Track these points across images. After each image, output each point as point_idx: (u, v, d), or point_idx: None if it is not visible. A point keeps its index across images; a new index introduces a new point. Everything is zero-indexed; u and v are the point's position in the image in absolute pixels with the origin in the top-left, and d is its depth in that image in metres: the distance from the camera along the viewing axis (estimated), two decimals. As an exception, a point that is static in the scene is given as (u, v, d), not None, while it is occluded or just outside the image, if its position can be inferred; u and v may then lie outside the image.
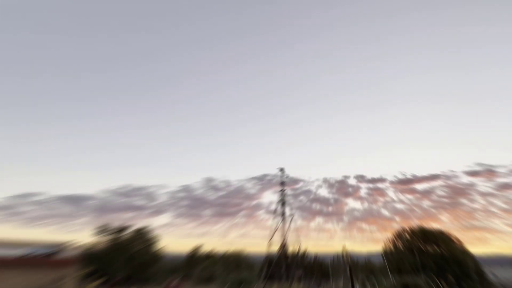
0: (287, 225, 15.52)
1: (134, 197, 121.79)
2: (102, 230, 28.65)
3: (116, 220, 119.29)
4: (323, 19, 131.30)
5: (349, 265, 17.41)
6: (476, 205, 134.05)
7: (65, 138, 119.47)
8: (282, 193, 15.99)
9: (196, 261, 35.86)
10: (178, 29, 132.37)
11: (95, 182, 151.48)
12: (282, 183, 16.12)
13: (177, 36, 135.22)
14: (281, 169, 16.45)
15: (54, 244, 18.31)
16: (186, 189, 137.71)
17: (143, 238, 29.67)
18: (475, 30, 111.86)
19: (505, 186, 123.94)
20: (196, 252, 42.37)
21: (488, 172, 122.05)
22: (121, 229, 29.13)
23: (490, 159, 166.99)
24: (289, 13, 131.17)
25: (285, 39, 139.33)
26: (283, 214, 15.54)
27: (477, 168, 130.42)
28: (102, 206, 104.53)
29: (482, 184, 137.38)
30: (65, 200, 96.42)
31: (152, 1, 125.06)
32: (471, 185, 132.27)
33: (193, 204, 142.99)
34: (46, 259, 17.01)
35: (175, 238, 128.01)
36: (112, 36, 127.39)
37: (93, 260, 24.43)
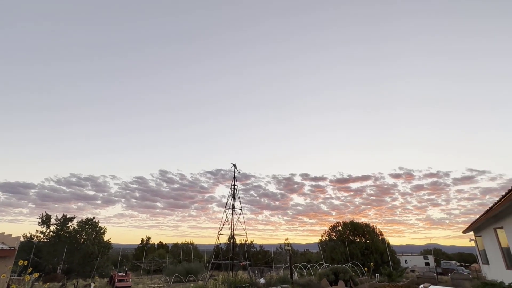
0: (236, 217, 16.90)
1: (83, 187, 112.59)
2: (44, 220, 27.01)
3: (62, 210, 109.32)
4: (281, 24, 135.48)
5: (289, 255, 19.45)
6: (396, 203, 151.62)
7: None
8: (233, 187, 17.31)
9: (145, 253, 35.60)
10: (136, 24, 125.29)
11: (38, 171, 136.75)
12: (234, 178, 17.44)
13: (132, 31, 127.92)
14: (234, 165, 17.76)
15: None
16: (139, 180, 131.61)
17: (88, 229, 28.62)
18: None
19: (419, 187, 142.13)
20: (145, 243, 41.86)
21: (407, 175, 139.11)
22: (65, 220, 27.74)
23: (409, 164, 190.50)
24: (240, 18, 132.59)
25: (243, 40, 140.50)
26: (233, 207, 16.88)
27: (400, 172, 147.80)
28: (46, 195, 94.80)
29: (402, 185, 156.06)
30: (3, 188, 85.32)
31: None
32: (394, 185, 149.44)
33: (145, 195, 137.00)
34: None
35: (126, 229, 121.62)
36: (56, 29, 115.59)
37: (32, 252, 23.22)
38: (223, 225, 16.55)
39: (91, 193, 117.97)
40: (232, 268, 16.65)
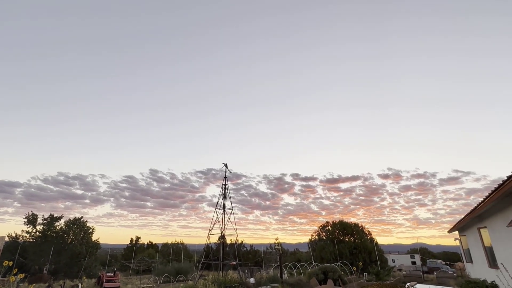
0: (226, 217, 16.92)
1: (71, 186, 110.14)
2: (30, 220, 26.38)
3: (49, 209, 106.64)
4: (272, 24, 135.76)
5: (279, 255, 19.57)
6: (384, 203, 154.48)
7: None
8: (224, 187, 17.31)
9: (134, 253, 35.19)
10: (127, 20, 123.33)
11: (25, 169, 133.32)
12: (225, 178, 17.44)
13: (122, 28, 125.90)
14: (225, 165, 17.75)
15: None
16: (129, 179, 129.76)
17: (76, 229, 28.10)
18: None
19: (407, 188, 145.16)
20: (135, 243, 41.39)
21: (396, 175, 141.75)
22: (52, 219, 27.16)
23: (398, 165, 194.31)
24: (233, 16, 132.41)
25: (235, 38, 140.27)
26: (224, 206, 16.88)
27: (388, 172, 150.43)
28: (33, 194, 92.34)
29: (390, 186, 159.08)
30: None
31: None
32: (383, 186, 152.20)
33: (135, 195, 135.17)
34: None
35: (115, 229, 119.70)
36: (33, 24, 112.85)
37: (18, 252, 22.71)
38: (214, 224, 16.55)
39: (79, 192, 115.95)
40: (222, 268, 16.66)
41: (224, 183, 17.21)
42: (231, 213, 16.96)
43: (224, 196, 16.97)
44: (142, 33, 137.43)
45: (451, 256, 47.69)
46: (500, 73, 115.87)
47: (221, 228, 16.73)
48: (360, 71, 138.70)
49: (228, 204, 17.07)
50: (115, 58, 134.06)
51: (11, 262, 9.61)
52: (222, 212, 16.93)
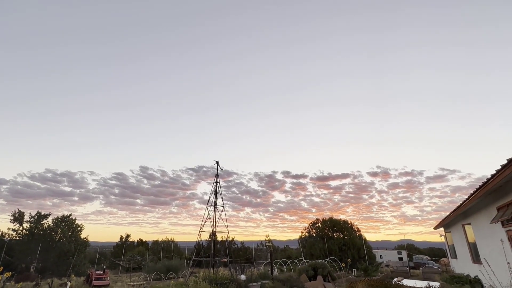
0: (218, 214, 16.95)
1: (59, 183, 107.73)
2: (17, 217, 25.82)
3: (36, 206, 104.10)
4: (254, 18, 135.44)
5: (270, 252, 19.73)
6: (373, 200, 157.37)
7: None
8: (216, 184, 17.33)
9: (124, 250, 34.86)
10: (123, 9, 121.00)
11: (10, 165, 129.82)
12: (217, 175, 17.46)
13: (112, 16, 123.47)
14: (217, 162, 17.76)
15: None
16: (118, 176, 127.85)
17: (64, 227, 27.65)
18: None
19: (395, 186, 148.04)
20: (125, 240, 40.98)
21: (384, 173, 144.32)
22: (40, 217, 26.64)
23: (386, 163, 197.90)
24: (223, 8, 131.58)
25: (223, 32, 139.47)
26: (215, 204, 16.91)
27: (377, 170, 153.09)
28: (19, 192, 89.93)
29: (379, 183, 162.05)
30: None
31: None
32: (372, 183, 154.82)
33: (125, 192, 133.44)
34: None
35: (104, 226, 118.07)
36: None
37: (3, 251, 22.24)
38: (205, 222, 16.58)
39: (68, 189, 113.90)
40: (213, 265, 16.72)
41: (215, 181, 17.24)
42: (222, 210, 17.03)
43: (216, 194, 17.01)
44: (131, 27, 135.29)
45: (436, 252, 48.95)
46: (485, 71, 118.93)
47: (212, 225, 16.78)
48: (352, 68, 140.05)
49: (219, 201, 17.14)
50: (103, 53, 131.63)
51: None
52: (213, 209, 16.97)
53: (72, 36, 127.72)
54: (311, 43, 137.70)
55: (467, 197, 9.11)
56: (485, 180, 6.86)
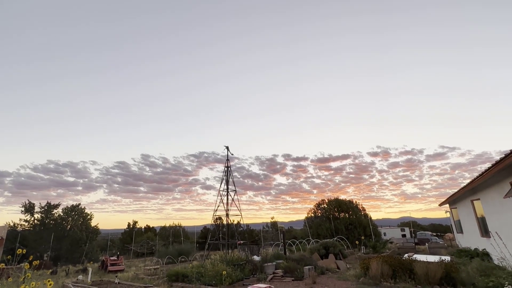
0: (228, 199, 17.25)
1: (62, 174, 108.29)
2: (28, 208, 26.20)
3: (41, 197, 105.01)
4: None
5: (282, 233, 20.15)
6: (374, 180, 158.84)
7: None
8: (227, 169, 17.52)
9: (133, 237, 35.62)
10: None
11: (13, 158, 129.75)
12: (227, 160, 17.61)
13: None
14: (227, 147, 17.87)
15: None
16: (120, 165, 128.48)
17: (75, 216, 28.13)
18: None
19: (395, 165, 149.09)
20: (133, 227, 41.77)
21: (384, 153, 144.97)
22: (50, 207, 27.04)
23: (386, 143, 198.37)
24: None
25: (219, 14, 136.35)
26: (227, 188, 17.18)
27: (377, 150, 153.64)
28: (23, 183, 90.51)
29: (379, 163, 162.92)
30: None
31: None
32: (372, 163, 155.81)
33: (128, 180, 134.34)
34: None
35: (109, 214, 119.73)
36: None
37: (18, 241, 22.74)
38: (218, 206, 16.90)
39: (71, 179, 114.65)
40: (228, 247, 17.21)
41: (226, 166, 17.43)
42: (234, 195, 17.34)
43: (227, 179, 17.26)
44: (131, 8, 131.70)
45: (438, 228, 50.19)
46: (486, 45, 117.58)
47: (226, 209, 17.11)
48: (353, 46, 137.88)
49: (231, 186, 17.43)
50: (101, 37, 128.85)
51: (24, 250, 9.70)
52: (224, 194, 17.26)
53: (68, 23, 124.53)
54: (306, 24, 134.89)
55: (481, 173, 9.24)
56: (503, 155, 6.97)
